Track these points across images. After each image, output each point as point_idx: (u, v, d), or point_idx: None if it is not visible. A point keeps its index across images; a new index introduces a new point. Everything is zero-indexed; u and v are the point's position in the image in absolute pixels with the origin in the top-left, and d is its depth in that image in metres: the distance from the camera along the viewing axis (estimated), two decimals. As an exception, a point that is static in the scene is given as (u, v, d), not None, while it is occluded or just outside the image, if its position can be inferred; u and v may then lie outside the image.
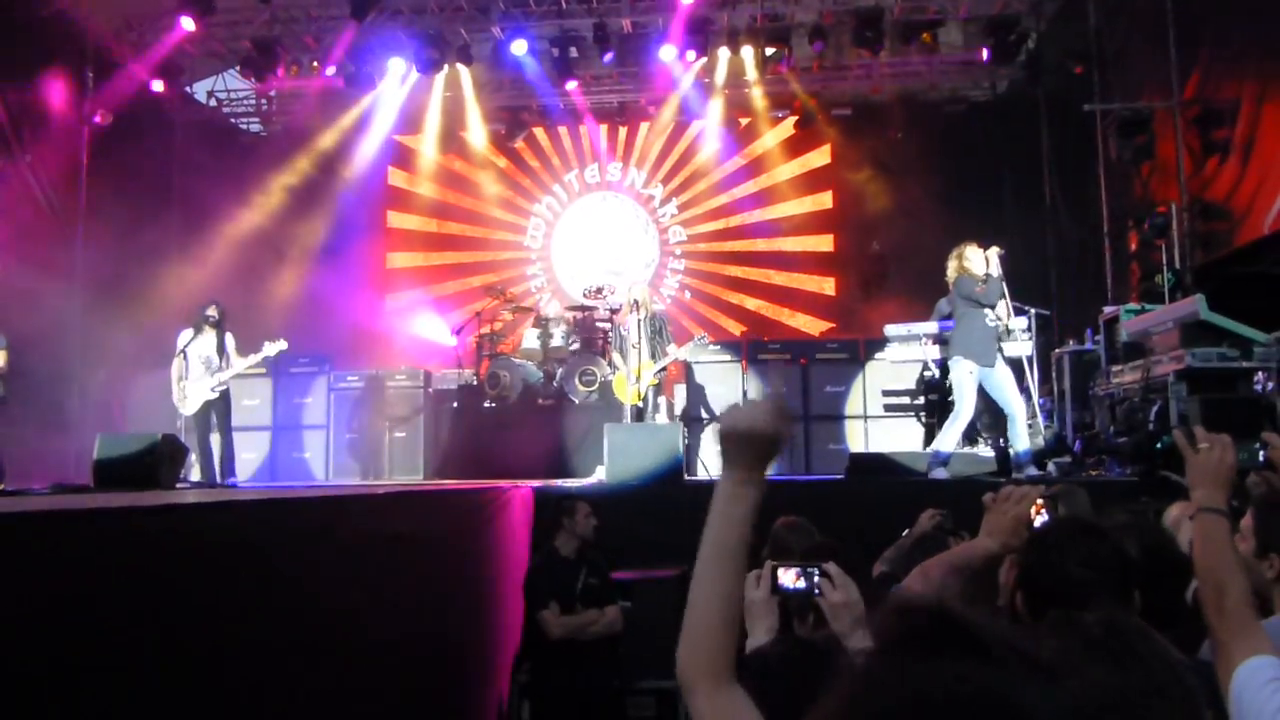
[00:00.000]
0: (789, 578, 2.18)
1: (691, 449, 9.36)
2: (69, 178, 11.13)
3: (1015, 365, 7.54)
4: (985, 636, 0.76)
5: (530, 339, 10.79)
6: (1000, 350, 7.25)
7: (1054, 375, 9.47)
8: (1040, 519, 2.52)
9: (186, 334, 8.71)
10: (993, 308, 7.18)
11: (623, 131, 14.67)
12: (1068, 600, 1.84)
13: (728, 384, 10.21)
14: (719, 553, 1.52)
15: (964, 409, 7.24)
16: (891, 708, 0.72)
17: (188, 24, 11.20)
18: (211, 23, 11.84)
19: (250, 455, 9.93)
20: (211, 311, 8.74)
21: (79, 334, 10.46)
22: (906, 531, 3.70)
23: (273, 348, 8.78)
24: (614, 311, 10.53)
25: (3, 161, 10.10)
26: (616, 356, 9.20)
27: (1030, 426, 7.24)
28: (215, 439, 8.72)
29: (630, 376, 8.93)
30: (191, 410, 8.60)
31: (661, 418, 9.43)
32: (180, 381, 8.61)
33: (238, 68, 12.91)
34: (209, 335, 8.69)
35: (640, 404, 8.96)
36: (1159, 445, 6.22)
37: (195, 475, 8.72)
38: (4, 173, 10.07)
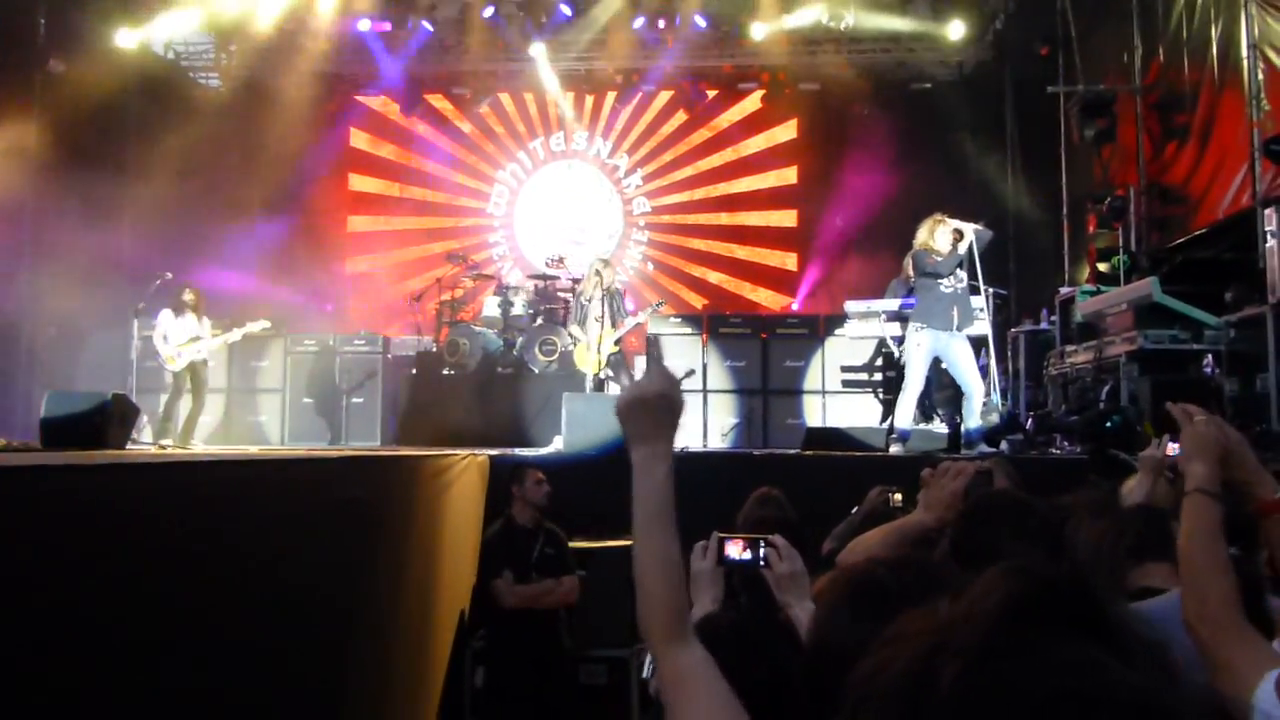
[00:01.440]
0: (735, 549, 2.20)
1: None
2: (18, 129, 10.82)
3: (974, 344, 7.57)
4: (1114, 624, 0.70)
5: (491, 307, 10.73)
6: (959, 323, 7.18)
7: (1009, 354, 9.59)
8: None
9: (166, 314, 8.76)
10: (940, 278, 7.15)
11: (589, 100, 14.55)
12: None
13: (688, 357, 10.22)
14: (645, 522, 1.59)
15: (911, 380, 7.25)
16: (1026, 695, 0.64)
17: None
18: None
19: (205, 418, 9.79)
20: (188, 297, 8.78)
21: (28, 290, 10.23)
22: (856, 509, 3.74)
23: (255, 325, 8.86)
24: (575, 281, 10.53)
25: None
26: (575, 328, 9.20)
27: (986, 404, 7.29)
28: (184, 404, 8.80)
29: (592, 345, 8.96)
30: (179, 367, 8.65)
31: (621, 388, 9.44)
32: (164, 343, 8.65)
33: (197, 19, 12.58)
34: (189, 316, 8.75)
35: (602, 373, 9.01)
36: (1109, 424, 6.33)
37: (147, 435, 8.63)
38: None
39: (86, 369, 10.02)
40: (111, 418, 6.34)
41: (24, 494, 2.15)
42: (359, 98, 14.30)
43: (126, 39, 11.99)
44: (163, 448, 8.26)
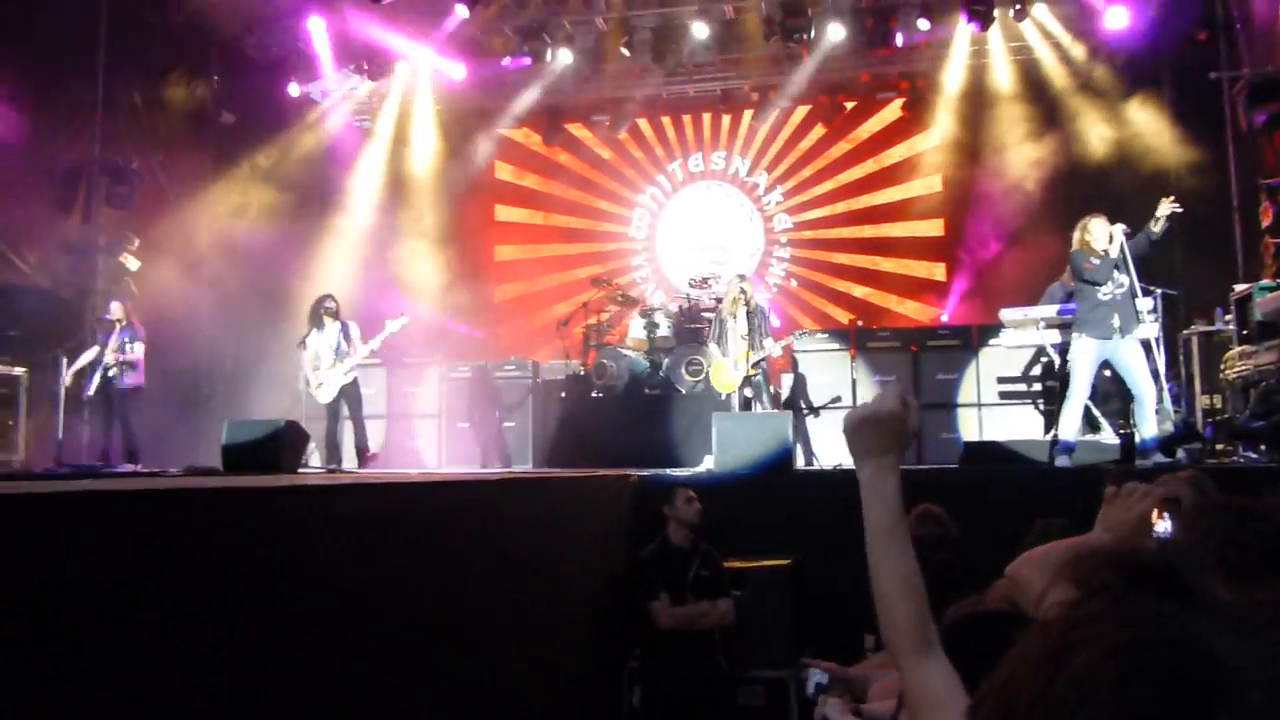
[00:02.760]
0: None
1: (800, 438, 9.27)
2: (197, 175, 11.68)
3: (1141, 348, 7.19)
4: (1192, 587, 0.77)
5: (636, 329, 10.83)
6: (1121, 327, 6.85)
7: (1181, 358, 9.06)
8: (1163, 525, 2.33)
9: (313, 335, 9.06)
10: (1098, 285, 6.87)
11: (726, 119, 14.57)
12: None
13: (835, 373, 10.07)
14: (880, 538, 1.60)
15: (1076, 388, 6.97)
16: (1091, 644, 0.72)
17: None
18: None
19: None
20: (330, 304, 9.08)
21: (208, 324, 10.95)
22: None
23: (395, 324, 9.09)
24: (720, 301, 10.52)
25: (138, 160, 10.64)
26: (714, 346, 9.23)
27: (1158, 412, 6.90)
28: (344, 427, 9.10)
29: (731, 366, 8.97)
30: (328, 398, 8.96)
31: (767, 407, 9.37)
32: (315, 371, 8.98)
33: (353, 66, 13.23)
34: (331, 326, 9.02)
35: (749, 393, 9.01)
36: (1299, 430, 5.88)
37: (316, 460, 9.04)
38: (139, 171, 10.61)
39: (261, 398, 10.63)
40: (285, 443, 6.71)
41: (210, 513, 2.30)
42: (502, 131, 14.74)
43: (287, 88, 12.76)
44: (331, 471, 8.65)
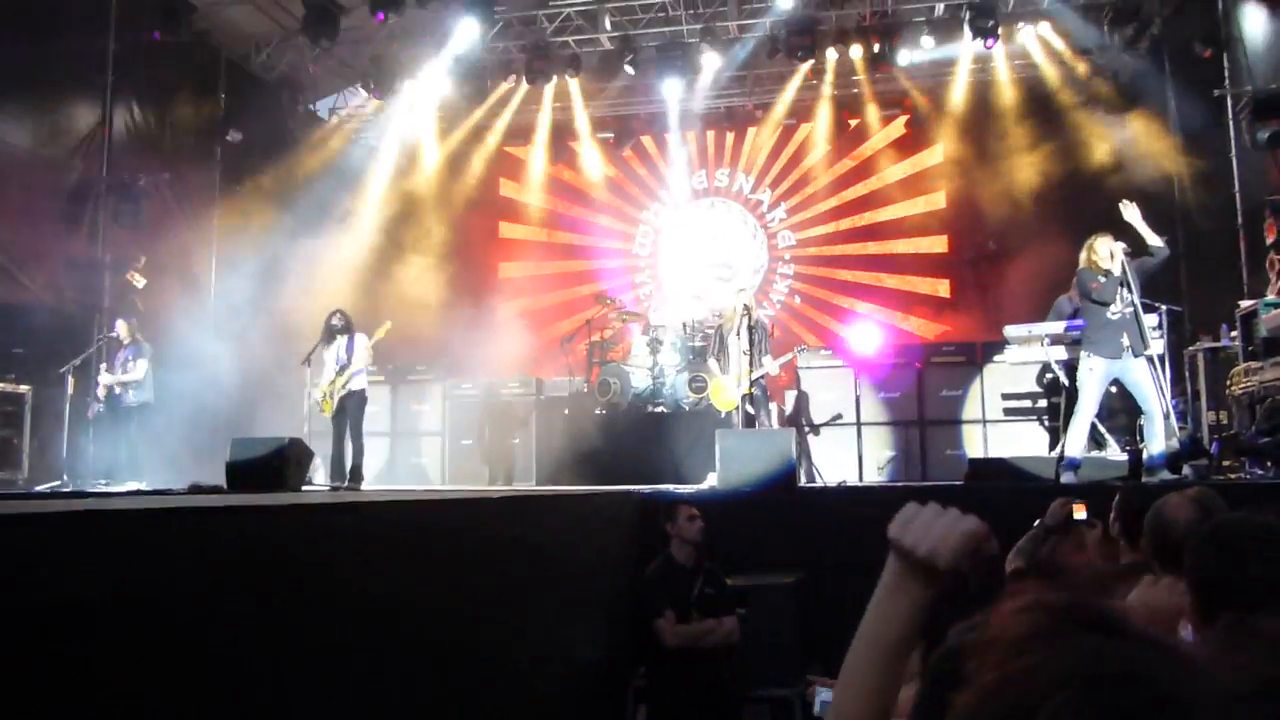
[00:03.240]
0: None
1: (803, 455, 9.25)
2: (205, 193, 11.73)
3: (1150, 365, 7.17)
4: (1125, 624, 0.77)
5: (639, 346, 10.83)
6: (1131, 346, 6.85)
7: (1187, 374, 9.04)
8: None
9: (319, 351, 9.07)
10: (1106, 305, 6.87)
11: (730, 137, 14.63)
12: (1244, 602, 1.74)
13: (838, 390, 10.05)
14: (870, 648, 1.32)
15: (1082, 406, 6.95)
16: (1034, 683, 0.71)
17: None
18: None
19: (369, 460, 10.23)
20: (336, 320, 9.09)
21: (213, 341, 10.97)
22: (1038, 522, 3.61)
23: (381, 331, 9.08)
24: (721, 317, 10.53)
25: (145, 178, 10.69)
26: (714, 362, 9.21)
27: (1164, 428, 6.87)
28: (347, 446, 9.06)
29: (733, 383, 8.93)
30: (331, 412, 8.94)
31: (771, 423, 9.34)
32: (329, 384, 8.98)
33: (358, 84, 13.32)
34: (337, 341, 9.03)
35: (751, 410, 8.94)
36: (1305, 446, 5.86)
37: (320, 478, 9.02)
38: (145, 189, 10.65)
39: (266, 416, 10.63)
40: (289, 461, 6.70)
41: (215, 532, 2.30)
42: (507, 149, 14.80)
43: (294, 107, 12.83)
44: (336, 489, 8.65)
